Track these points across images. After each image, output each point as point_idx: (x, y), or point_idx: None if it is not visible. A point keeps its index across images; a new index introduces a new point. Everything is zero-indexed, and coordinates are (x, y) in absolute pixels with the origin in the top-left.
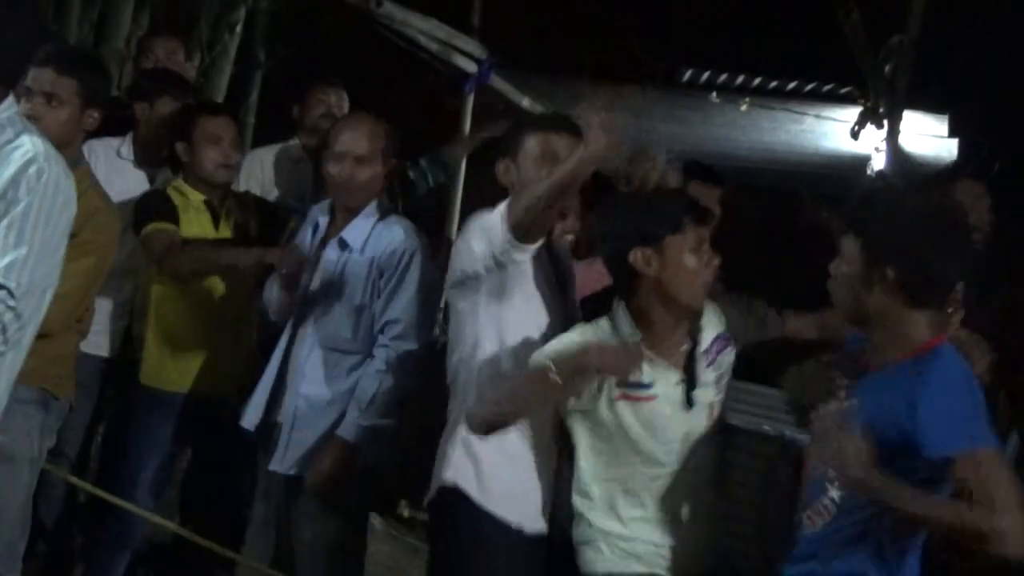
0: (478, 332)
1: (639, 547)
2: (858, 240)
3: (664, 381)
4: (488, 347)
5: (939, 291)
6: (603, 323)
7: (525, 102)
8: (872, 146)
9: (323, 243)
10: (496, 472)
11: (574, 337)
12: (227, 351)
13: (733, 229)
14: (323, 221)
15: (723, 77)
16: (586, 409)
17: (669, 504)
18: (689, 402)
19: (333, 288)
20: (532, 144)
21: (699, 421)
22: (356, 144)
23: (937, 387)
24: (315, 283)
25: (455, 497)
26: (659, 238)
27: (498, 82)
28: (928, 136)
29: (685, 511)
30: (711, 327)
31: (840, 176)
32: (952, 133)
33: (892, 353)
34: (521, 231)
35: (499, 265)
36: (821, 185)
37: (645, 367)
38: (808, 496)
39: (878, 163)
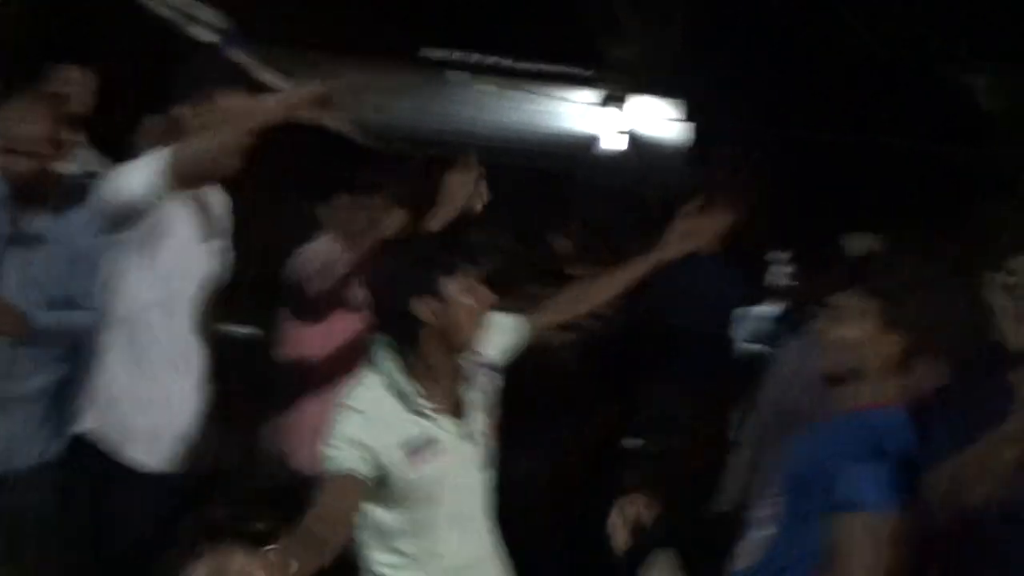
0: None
1: None
2: (876, 303)
3: (450, 432)
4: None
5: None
6: (371, 379)
7: (266, 76)
8: (610, 128)
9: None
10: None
11: (355, 412)
12: None
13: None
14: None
15: (462, 56)
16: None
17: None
18: (471, 437)
19: None
20: None
21: (476, 450)
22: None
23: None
24: None
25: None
26: (437, 283)
27: (237, 54)
28: (663, 120)
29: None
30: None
31: (576, 156)
32: (687, 118)
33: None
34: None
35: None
36: (558, 165)
37: (430, 424)
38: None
39: (615, 144)
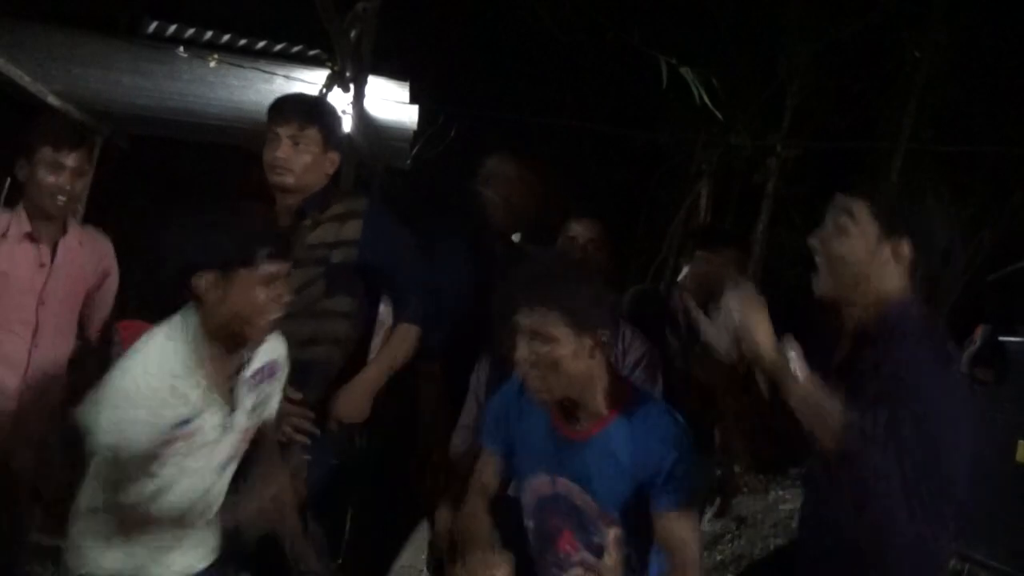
0: None
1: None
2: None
3: (212, 411)
4: None
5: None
6: (176, 329)
7: None
8: (339, 109)
9: None
10: None
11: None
12: None
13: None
14: None
15: (191, 32)
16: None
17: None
18: (226, 427)
19: None
20: None
21: (231, 447)
22: None
23: None
24: None
25: None
26: (230, 267)
27: None
28: (391, 101)
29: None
30: (266, 352)
31: None
32: (413, 100)
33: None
34: None
35: None
36: None
37: (196, 395)
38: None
39: (344, 125)
